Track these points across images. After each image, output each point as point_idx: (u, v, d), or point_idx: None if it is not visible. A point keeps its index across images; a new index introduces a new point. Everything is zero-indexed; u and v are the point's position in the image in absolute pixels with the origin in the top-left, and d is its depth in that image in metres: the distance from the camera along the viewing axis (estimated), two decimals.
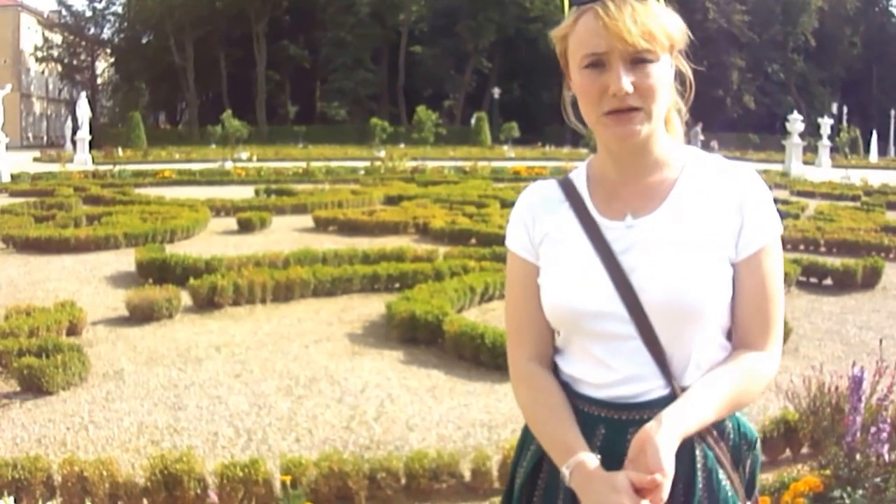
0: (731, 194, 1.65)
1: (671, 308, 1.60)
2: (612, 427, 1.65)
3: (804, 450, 4.68)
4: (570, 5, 1.64)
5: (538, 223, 1.77)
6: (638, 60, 1.57)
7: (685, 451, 1.58)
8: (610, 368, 1.66)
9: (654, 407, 1.58)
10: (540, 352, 1.78)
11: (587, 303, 1.66)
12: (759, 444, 1.75)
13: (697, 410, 1.55)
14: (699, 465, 1.62)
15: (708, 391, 1.58)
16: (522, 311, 1.79)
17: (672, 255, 1.62)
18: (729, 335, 1.70)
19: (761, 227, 1.64)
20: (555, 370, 1.77)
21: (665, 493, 1.43)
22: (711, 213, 1.64)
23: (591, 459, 1.58)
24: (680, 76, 1.71)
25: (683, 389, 1.61)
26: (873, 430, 2.95)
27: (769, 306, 1.66)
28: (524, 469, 1.78)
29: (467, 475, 4.37)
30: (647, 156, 1.68)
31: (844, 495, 3.10)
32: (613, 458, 1.55)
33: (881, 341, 3.59)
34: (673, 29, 1.61)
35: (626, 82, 1.55)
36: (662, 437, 1.46)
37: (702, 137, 40.24)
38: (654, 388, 1.64)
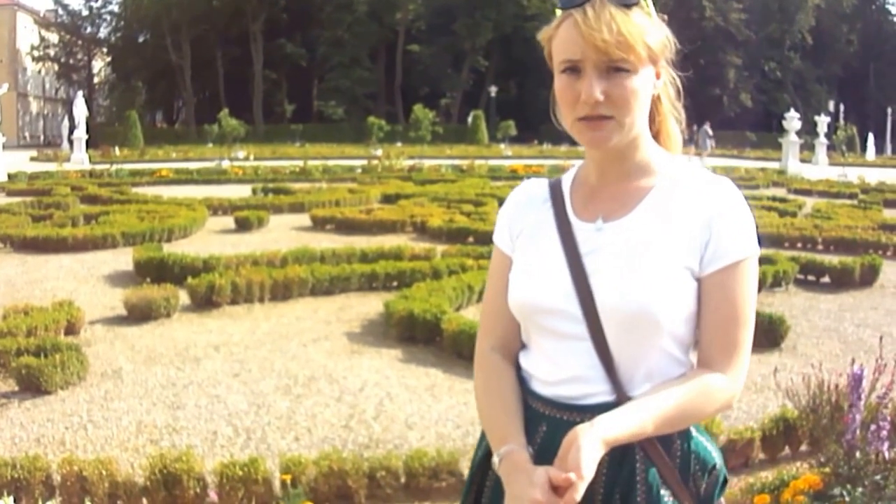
0: (704, 208, 1.62)
1: (623, 314, 1.59)
2: (553, 425, 1.66)
3: (803, 447, 4.69)
4: (559, 8, 1.65)
5: (519, 219, 1.80)
6: (613, 70, 1.56)
7: (626, 462, 1.59)
8: (558, 366, 1.67)
9: (597, 412, 1.56)
10: (504, 343, 1.80)
11: (544, 299, 1.67)
12: (719, 469, 1.69)
13: (634, 419, 1.53)
14: (639, 479, 1.60)
15: (650, 402, 1.56)
16: (493, 302, 1.83)
17: (631, 261, 1.61)
18: (690, 353, 1.68)
19: (730, 244, 1.60)
20: (518, 366, 1.79)
21: (578, 494, 1.42)
22: (678, 224, 1.62)
23: (522, 451, 1.61)
24: (671, 85, 1.72)
25: (630, 399, 1.59)
26: (873, 427, 2.96)
27: (733, 327, 1.62)
28: (475, 459, 1.81)
29: (467, 474, 4.36)
30: (626, 162, 1.68)
31: (844, 493, 3.11)
32: (551, 457, 1.54)
33: (881, 339, 3.59)
34: (654, 40, 1.60)
35: (597, 91, 1.55)
36: (588, 440, 1.45)
37: (711, 135, 40.13)
38: (599, 392, 1.63)
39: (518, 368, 1.79)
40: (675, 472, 1.62)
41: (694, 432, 1.67)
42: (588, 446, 1.45)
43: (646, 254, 1.61)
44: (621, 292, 1.59)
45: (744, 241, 1.61)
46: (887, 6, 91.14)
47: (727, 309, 1.60)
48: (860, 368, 3.00)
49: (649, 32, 1.59)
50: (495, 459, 1.64)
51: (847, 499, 3.12)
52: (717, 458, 1.70)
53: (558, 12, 1.64)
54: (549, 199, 1.78)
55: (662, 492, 1.61)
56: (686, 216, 1.62)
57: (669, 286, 1.59)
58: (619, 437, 1.50)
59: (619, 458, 1.56)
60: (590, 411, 1.59)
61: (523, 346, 1.80)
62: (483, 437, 1.80)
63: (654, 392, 1.58)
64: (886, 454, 3.01)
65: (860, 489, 3.12)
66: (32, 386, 5.81)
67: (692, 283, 1.61)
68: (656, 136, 1.74)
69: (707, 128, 39.42)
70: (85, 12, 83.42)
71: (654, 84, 1.66)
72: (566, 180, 1.81)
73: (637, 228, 1.64)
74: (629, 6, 1.57)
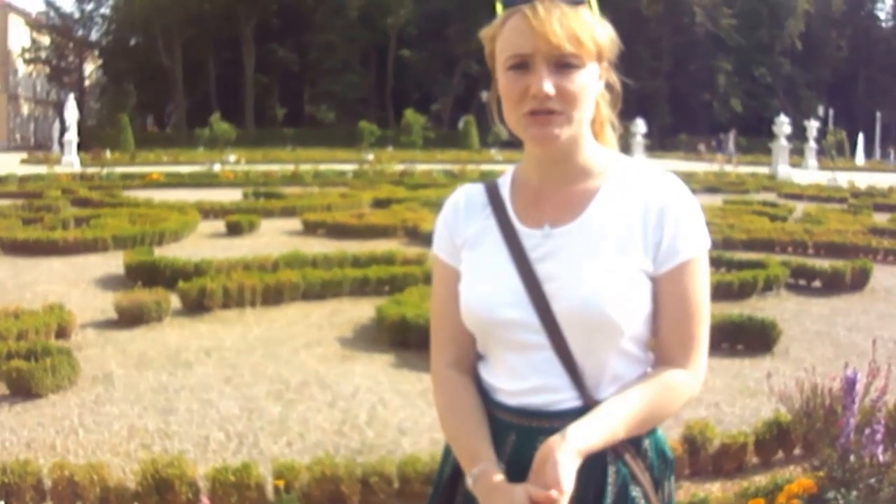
0: (653, 206, 1.62)
1: (583, 320, 1.59)
2: (522, 434, 1.64)
3: (796, 451, 4.69)
4: (504, 7, 1.63)
5: (461, 227, 1.76)
6: (562, 65, 1.55)
7: (598, 467, 1.58)
8: (521, 377, 1.65)
9: (566, 417, 1.58)
10: (459, 358, 1.77)
11: (500, 310, 1.65)
12: (673, 466, 1.74)
13: (605, 425, 1.54)
14: (610, 481, 1.61)
15: (618, 406, 1.57)
16: (443, 317, 1.78)
17: (586, 266, 1.60)
18: (648, 349, 1.69)
19: (682, 241, 1.62)
20: (477, 379, 1.76)
21: None
22: (630, 225, 1.62)
23: (495, 469, 1.59)
24: (610, 87, 1.71)
25: (598, 402, 1.60)
26: (867, 431, 2.96)
27: (690, 323, 1.63)
28: (441, 476, 1.79)
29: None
30: (570, 163, 1.67)
31: (839, 496, 3.11)
32: (522, 467, 1.55)
33: (874, 342, 3.60)
34: (602, 37, 1.61)
35: (548, 85, 1.54)
36: (564, 453, 1.46)
37: (732, 143, 40.34)
38: (566, 399, 1.63)
39: (477, 380, 1.76)
40: (647, 474, 1.64)
41: (657, 428, 1.70)
42: (564, 460, 1.46)
43: (599, 258, 1.60)
44: (578, 298, 1.58)
45: (695, 239, 1.63)
46: (876, 12, 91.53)
47: (684, 306, 1.62)
48: (854, 372, 3.01)
49: (597, 30, 1.59)
50: (469, 480, 1.61)
51: (841, 502, 3.12)
52: (672, 454, 1.75)
53: (499, 10, 1.64)
54: (488, 205, 1.74)
55: (632, 489, 1.62)
56: (635, 216, 1.62)
57: (626, 288, 1.59)
58: (593, 445, 1.52)
59: (590, 461, 1.54)
60: (559, 417, 1.60)
61: (480, 358, 1.77)
62: (448, 452, 1.77)
63: (621, 395, 1.59)
64: (881, 458, 3.01)
65: (854, 492, 3.12)
66: (23, 390, 5.78)
67: (647, 283, 1.62)
68: (595, 136, 1.72)
69: (731, 135, 39.64)
70: (77, 15, 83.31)
71: (596, 84, 1.65)
72: (503, 184, 1.77)
73: (587, 233, 1.63)
74: (577, 4, 1.58)
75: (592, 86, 1.61)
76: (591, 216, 1.64)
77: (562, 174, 1.68)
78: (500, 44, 1.62)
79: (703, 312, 1.65)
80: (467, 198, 1.79)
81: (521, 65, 1.57)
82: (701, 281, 1.64)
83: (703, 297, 1.64)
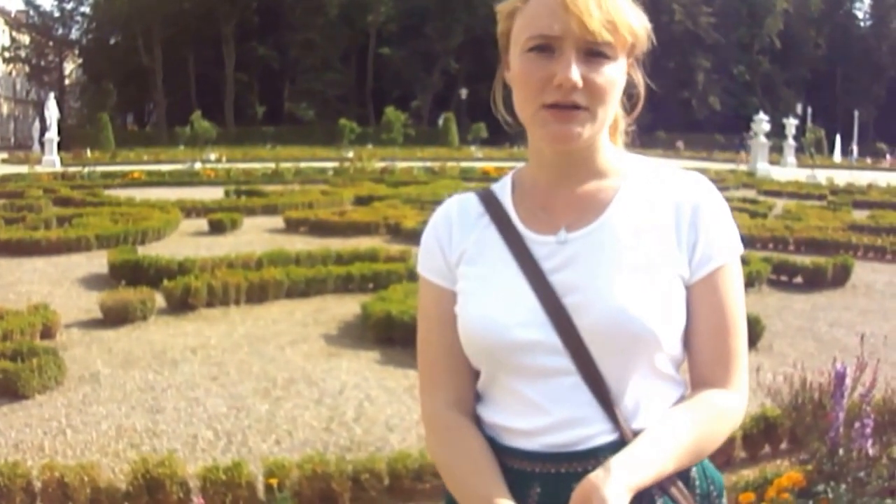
0: (686, 204, 1.42)
1: (613, 335, 1.35)
2: (549, 484, 1.38)
3: (783, 445, 4.74)
4: None
5: (455, 241, 1.50)
6: (593, 53, 1.33)
7: (643, 498, 1.31)
8: (543, 411, 1.39)
9: (600, 455, 1.32)
10: (459, 397, 1.49)
11: (512, 332, 1.39)
12: (723, 490, 1.50)
13: (654, 458, 1.29)
14: None
15: (667, 436, 1.32)
16: (437, 348, 1.51)
17: (613, 272, 1.37)
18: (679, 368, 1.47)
19: (719, 244, 1.41)
20: (478, 423, 1.48)
21: None
22: (660, 224, 1.41)
23: None
24: (628, 87, 1.46)
25: (635, 434, 1.34)
26: (857, 425, 3.00)
27: (729, 336, 1.42)
28: None
29: None
30: (588, 166, 1.45)
31: (828, 489, 3.15)
32: None
33: (862, 337, 3.64)
34: (638, 27, 1.39)
35: (576, 73, 1.32)
36: (612, 490, 1.20)
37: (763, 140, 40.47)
38: (599, 432, 1.37)
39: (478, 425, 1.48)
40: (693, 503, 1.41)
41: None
42: (614, 497, 1.19)
43: (627, 261, 1.38)
44: (608, 310, 1.35)
45: (732, 241, 1.44)
46: (854, 11, 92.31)
47: (721, 317, 1.41)
48: (843, 367, 3.04)
49: (636, 19, 1.38)
50: None
51: (830, 495, 3.15)
52: (721, 477, 1.53)
53: None
54: (485, 214, 1.50)
55: None
56: (666, 215, 1.41)
57: (662, 297, 1.37)
58: (643, 482, 1.26)
59: (636, 498, 1.26)
60: (593, 457, 1.34)
61: (478, 399, 1.50)
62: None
63: (667, 423, 1.35)
64: (870, 451, 3.05)
65: (843, 486, 3.16)
66: (9, 391, 5.75)
67: (682, 292, 1.40)
68: (609, 136, 1.51)
69: (753, 135, 39.82)
70: (56, 13, 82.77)
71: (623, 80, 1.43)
72: (501, 190, 1.53)
73: (611, 233, 1.41)
74: None
75: (621, 81, 1.40)
76: (613, 216, 1.42)
77: (578, 175, 1.45)
78: (520, 21, 1.38)
79: (741, 324, 1.44)
80: (459, 207, 1.54)
81: (545, 47, 1.34)
82: (737, 289, 1.44)
83: (740, 308, 1.44)
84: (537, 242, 1.43)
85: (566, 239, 1.42)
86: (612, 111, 1.40)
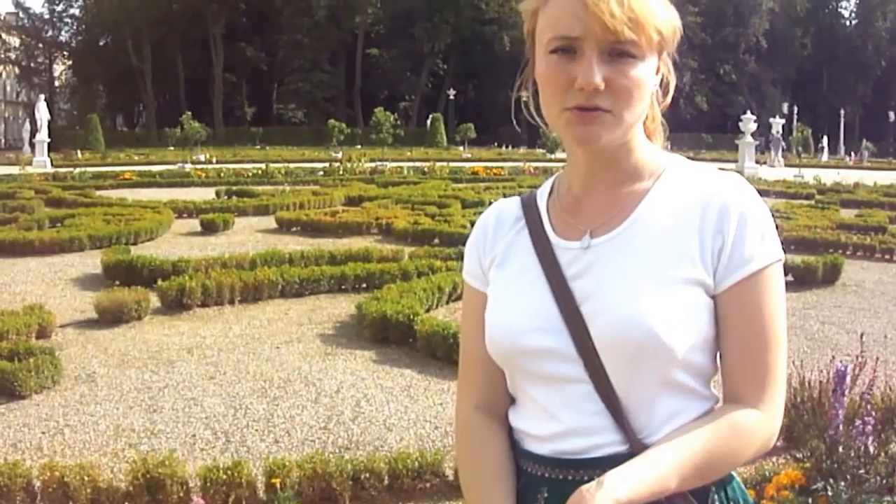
0: (712, 206, 1.34)
1: (620, 344, 1.31)
2: (556, 489, 1.36)
3: (779, 443, 4.78)
4: None
5: (489, 246, 1.51)
6: (617, 53, 1.29)
7: None
8: (555, 418, 1.38)
9: (606, 466, 1.27)
10: (490, 400, 1.49)
11: (528, 338, 1.38)
12: None
13: (652, 472, 1.24)
14: None
15: (669, 450, 1.27)
16: (471, 351, 1.52)
17: (630, 279, 1.33)
18: (710, 384, 1.42)
19: (751, 248, 1.32)
20: (509, 427, 1.49)
21: None
22: (685, 229, 1.34)
23: None
24: (664, 83, 1.43)
25: (647, 447, 1.31)
26: (858, 423, 3.02)
27: (763, 350, 1.33)
28: None
29: (450, 474, 4.40)
30: (617, 168, 1.40)
31: (827, 487, 3.18)
32: None
33: (862, 336, 3.68)
34: (666, 25, 1.33)
35: (598, 76, 1.27)
36: (599, 503, 1.18)
37: (783, 144, 40.46)
38: (608, 443, 1.34)
39: (509, 429, 1.49)
40: None
41: (733, 474, 1.42)
42: None
43: (646, 270, 1.33)
44: (620, 320, 1.31)
45: (766, 245, 1.34)
46: (840, 10, 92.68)
47: (754, 329, 1.33)
48: (844, 365, 3.07)
49: (661, 15, 1.32)
50: None
51: (830, 493, 3.19)
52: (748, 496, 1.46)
53: None
54: (522, 218, 1.49)
55: None
56: (692, 219, 1.34)
57: (680, 307, 1.31)
58: (635, 497, 1.21)
59: None
60: (600, 466, 1.30)
61: (512, 402, 1.49)
62: None
63: (675, 437, 1.30)
64: (871, 448, 3.08)
65: (842, 483, 3.19)
66: (7, 391, 5.75)
67: (707, 302, 1.33)
68: (649, 136, 1.46)
69: (779, 136, 39.97)
70: (46, 15, 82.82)
71: (654, 79, 1.37)
72: (541, 194, 1.51)
73: (633, 239, 1.36)
74: None
75: (650, 81, 1.34)
76: (638, 221, 1.37)
77: (607, 179, 1.41)
78: (543, 21, 1.34)
79: (780, 337, 1.35)
80: (499, 213, 1.53)
81: (567, 49, 1.30)
82: (774, 298, 1.34)
83: (778, 318, 1.34)
84: (563, 248, 1.41)
85: (589, 244, 1.39)
86: (640, 112, 1.35)
